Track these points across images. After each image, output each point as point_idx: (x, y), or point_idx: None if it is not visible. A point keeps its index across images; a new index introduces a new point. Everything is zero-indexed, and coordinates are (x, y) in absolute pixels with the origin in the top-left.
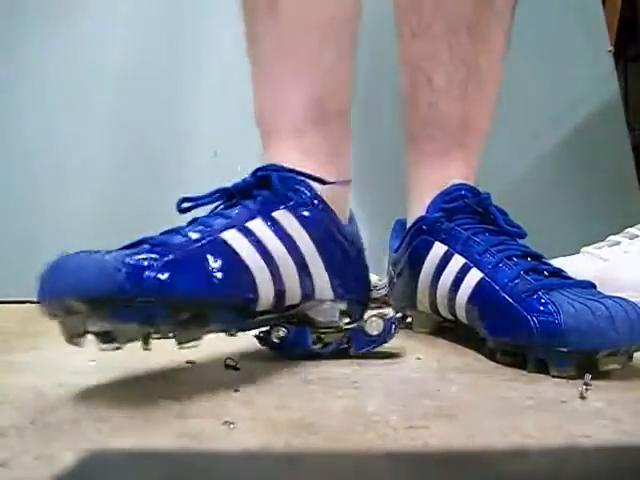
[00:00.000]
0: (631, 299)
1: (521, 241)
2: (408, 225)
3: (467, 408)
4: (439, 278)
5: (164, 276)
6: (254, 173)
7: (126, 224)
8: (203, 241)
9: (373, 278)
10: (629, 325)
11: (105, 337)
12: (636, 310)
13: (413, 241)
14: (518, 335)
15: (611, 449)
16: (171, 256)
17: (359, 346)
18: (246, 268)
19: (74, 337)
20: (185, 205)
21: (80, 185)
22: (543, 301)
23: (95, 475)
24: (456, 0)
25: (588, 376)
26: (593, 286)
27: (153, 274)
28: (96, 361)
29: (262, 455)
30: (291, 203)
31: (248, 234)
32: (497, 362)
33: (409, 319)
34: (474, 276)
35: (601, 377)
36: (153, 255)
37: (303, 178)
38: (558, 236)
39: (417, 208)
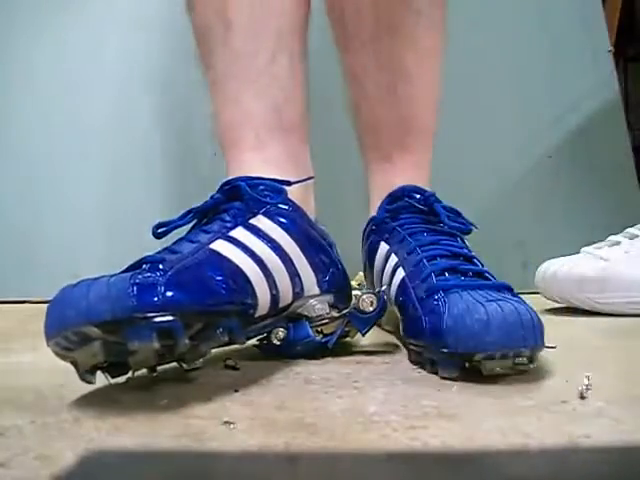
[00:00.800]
0: (631, 299)
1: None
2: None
3: (467, 408)
4: (382, 277)
5: (171, 290)
6: (221, 188)
7: (126, 224)
8: (197, 254)
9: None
10: (505, 330)
11: (117, 367)
12: (519, 315)
13: (367, 241)
14: (416, 335)
15: (611, 449)
16: (173, 270)
17: (362, 327)
18: (242, 273)
19: (87, 372)
20: (161, 230)
21: (79, 185)
22: (436, 302)
23: (95, 475)
24: (374, 7)
25: (588, 376)
26: (508, 289)
27: (161, 289)
28: None
29: (262, 455)
30: (264, 209)
31: (234, 242)
32: (411, 362)
33: None
34: (399, 275)
35: (601, 377)
36: (157, 272)
37: (270, 183)
38: (558, 236)
39: (372, 210)
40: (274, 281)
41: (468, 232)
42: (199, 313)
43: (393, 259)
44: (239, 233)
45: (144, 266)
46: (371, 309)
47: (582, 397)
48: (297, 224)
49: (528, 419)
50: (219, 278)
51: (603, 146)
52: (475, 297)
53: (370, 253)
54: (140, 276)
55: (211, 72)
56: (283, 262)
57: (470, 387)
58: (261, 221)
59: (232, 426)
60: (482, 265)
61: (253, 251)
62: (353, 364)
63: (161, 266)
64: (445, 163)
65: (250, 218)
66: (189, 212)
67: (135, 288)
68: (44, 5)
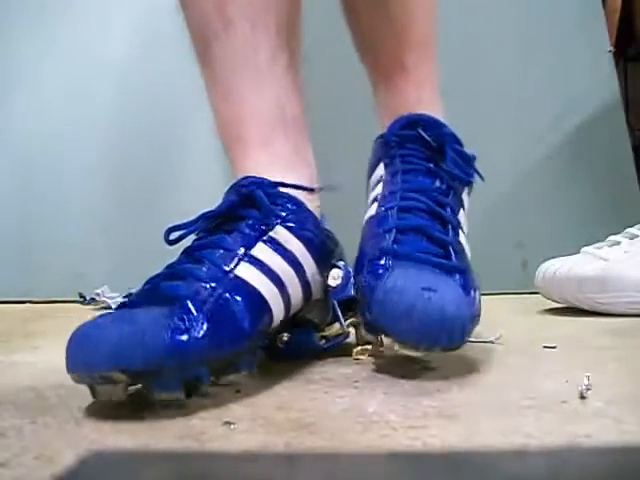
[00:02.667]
0: (631, 299)
1: (467, 189)
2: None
3: (467, 408)
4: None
5: (205, 340)
6: (233, 188)
7: (126, 224)
8: (224, 287)
9: None
10: (423, 325)
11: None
12: (443, 314)
13: (372, 157)
14: (357, 281)
15: (611, 449)
16: (205, 313)
17: (331, 301)
18: (264, 300)
19: (105, 401)
20: (174, 236)
21: (80, 185)
22: (381, 267)
23: (95, 475)
24: None
25: (588, 376)
26: (460, 272)
27: (194, 340)
28: None
29: (262, 455)
30: (281, 219)
31: (257, 264)
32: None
33: None
34: (371, 211)
35: (601, 377)
36: (189, 315)
37: (287, 191)
38: (558, 236)
39: (381, 128)
40: (288, 294)
41: (468, 184)
42: (226, 357)
43: (379, 189)
44: (260, 251)
45: (172, 308)
46: (335, 284)
47: (582, 397)
48: (310, 231)
49: (528, 419)
50: (244, 313)
51: (603, 146)
52: (417, 277)
53: (370, 168)
54: (172, 322)
55: (209, 69)
56: (296, 273)
57: (470, 387)
58: (279, 233)
59: (232, 426)
60: (456, 234)
61: (271, 269)
62: (353, 364)
63: (191, 306)
64: None
65: (269, 231)
66: (202, 216)
67: (169, 336)
68: (42, 3)
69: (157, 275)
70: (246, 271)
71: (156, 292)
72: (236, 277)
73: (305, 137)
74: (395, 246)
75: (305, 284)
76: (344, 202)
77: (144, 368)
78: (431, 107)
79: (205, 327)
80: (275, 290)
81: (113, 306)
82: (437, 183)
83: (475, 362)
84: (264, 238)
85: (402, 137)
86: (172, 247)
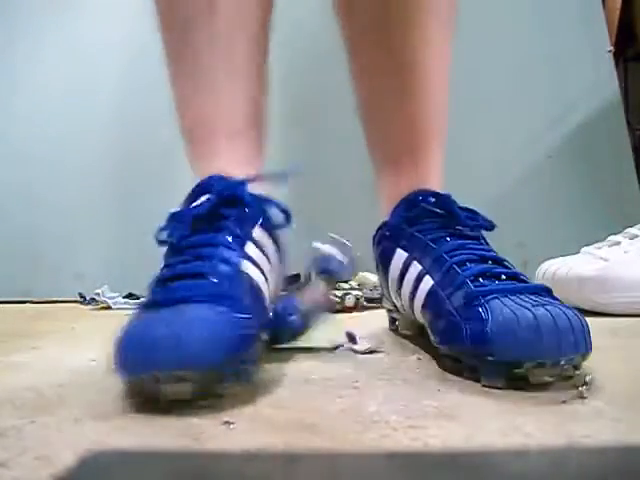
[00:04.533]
0: (631, 299)
1: (488, 234)
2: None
3: (467, 408)
4: (401, 284)
5: (255, 333)
6: (217, 192)
7: (126, 225)
8: (238, 279)
9: (373, 278)
10: (557, 336)
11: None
12: (569, 320)
13: (379, 247)
14: (455, 342)
15: (611, 449)
16: (248, 310)
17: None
18: (260, 290)
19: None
20: (162, 236)
21: (80, 186)
22: (477, 309)
23: (95, 475)
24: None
25: (588, 376)
26: (547, 291)
27: (252, 334)
28: (96, 361)
29: (262, 455)
30: (260, 220)
31: (250, 260)
32: (443, 369)
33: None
34: (427, 284)
35: (601, 377)
36: (244, 313)
37: (257, 188)
38: (558, 236)
39: (384, 214)
40: (269, 290)
41: (490, 229)
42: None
43: (416, 267)
44: (250, 249)
45: (224, 303)
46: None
47: (582, 397)
48: (277, 234)
49: (528, 419)
50: (262, 306)
51: (603, 146)
52: (518, 302)
53: (384, 260)
54: (233, 319)
55: (185, 59)
56: (271, 267)
57: (470, 387)
58: (258, 234)
59: (232, 426)
60: (513, 267)
61: (259, 265)
62: (353, 364)
63: (236, 303)
64: (445, 163)
65: (252, 232)
66: (183, 216)
67: (238, 332)
68: (46, 6)
69: (169, 275)
70: (247, 268)
71: (182, 291)
72: (244, 274)
73: (266, 137)
74: (478, 289)
75: (277, 279)
76: (342, 205)
77: (220, 365)
78: (432, 185)
79: (254, 321)
80: (266, 286)
81: (113, 306)
82: (467, 240)
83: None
84: (250, 238)
85: (410, 216)
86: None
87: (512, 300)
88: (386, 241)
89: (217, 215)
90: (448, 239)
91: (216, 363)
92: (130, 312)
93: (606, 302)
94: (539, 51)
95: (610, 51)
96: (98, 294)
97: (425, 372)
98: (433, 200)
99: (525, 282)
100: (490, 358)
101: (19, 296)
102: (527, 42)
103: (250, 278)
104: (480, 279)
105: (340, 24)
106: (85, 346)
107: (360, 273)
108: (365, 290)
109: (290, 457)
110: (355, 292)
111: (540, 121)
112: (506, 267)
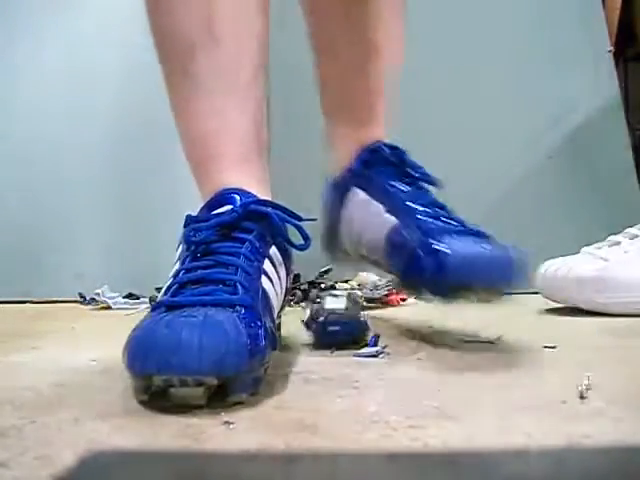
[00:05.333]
0: (631, 299)
1: (432, 189)
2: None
3: (467, 408)
4: (359, 223)
5: (268, 341)
6: (244, 204)
7: (127, 224)
8: (255, 290)
9: (373, 278)
10: (499, 267)
11: None
12: (511, 254)
13: (335, 189)
14: (414, 273)
15: (611, 449)
16: (263, 321)
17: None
18: (272, 303)
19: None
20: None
21: (80, 186)
22: (435, 242)
23: (95, 475)
24: None
25: (588, 376)
26: (487, 236)
27: (266, 343)
28: (96, 361)
29: (262, 455)
30: (277, 240)
31: (266, 275)
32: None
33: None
34: (389, 221)
35: (601, 377)
36: (258, 322)
37: (290, 218)
38: (558, 236)
39: (342, 163)
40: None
41: (436, 184)
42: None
43: (376, 205)
44: (267, 265)
45: (240, 311)
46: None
47: (582, 397)
48: (290, 254)
49: (528, 419)
50: (270, 316)
51: (603, 146)
52: (470, 240)
53: (340, 199)
54: (254, 328)
55: (190, 81)
56: (280, 284)
57: (470, 387)
58: (274, 252)
59: (232, 426)
60: (454, 214)
61: (272, 280)
62: (353, 364)
63: (255, 313)
64: (445, 163)
65: (269, 249)
66: (206, 220)
67: (253, 341)
68: (47, 7)
69: (189, 279)
70: (265, 282)
71: (204, 296)
72: (262, 288)
73: (267, 160)
74: (436, 227)
75: (283, 297)
76: None
77: (235, 372)
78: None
79: (268, 332)
80: (276, 301)
81: (113, 306)
82: (419, 188)
83: (475, 362)
84: (268, 256)
85: (369, 162)
86: (172, 249)
87: (465, 238)
88: (345, 182)
89: (240, 227)
90: (404, 185)
91: (235, 370)
92: (130, 312)
93: (606, 302)
94: (539, 51)
95: (610, 51)
96: (98, 294)
97: (425, 372)
98: (389, 150)
99: (470, 228)
100: (448, 284)
101: (19, 296)
102: (527, 42)
103: (265, 291)
104: (435, 221)
105: (304, 7)
106: (85, 346)
107: (360, 273)
108: (365, 290)
109: (290, 457)
110: (355, 292)
111: (540, 121)
112: (451, 214)
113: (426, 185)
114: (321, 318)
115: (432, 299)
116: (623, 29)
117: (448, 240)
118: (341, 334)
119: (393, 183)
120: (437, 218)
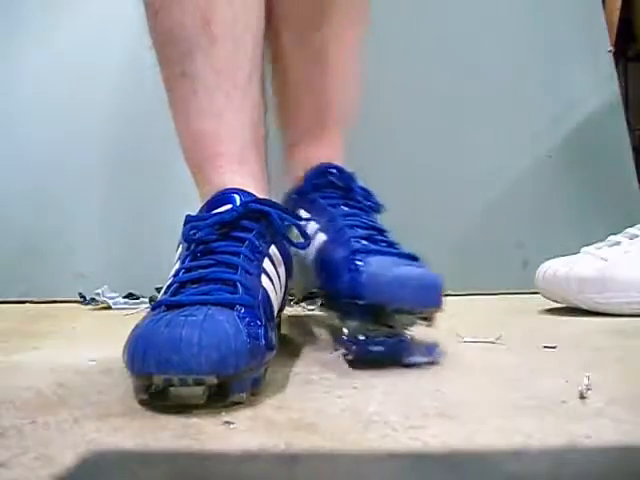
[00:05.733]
0: (631, 299)
1: (378, 216)
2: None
3: (467, 408)
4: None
5: (267, 342)
6: (244, 204)
7: (126, 224)
8: (257, 289)
9: None
10: (417, 290)
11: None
12: (432, 279)
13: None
14: (335, 287)
15: (611, 449)
16: (264, 321)
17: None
18: (271, 299)
19: (176, 404)
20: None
21: (81, 185)
22: (356, 262)
23: (95, 475)
24: (305, 5)
25: (588, 376)
26: (415, 259)
27: (266, 343)
28: (96, 361)
29: (262, 455)
30: (277, 239)
31: (266, 273)
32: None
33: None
34: (320, 239)
35: (601, 377)
36: (258, 321)
37: (284, 215)
38: (558, 236)
39: (290, 180)
40: (277, 303)
41: (378, 211)
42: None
43: (313, 225)
44: (267, 265)
45: (241, 311)
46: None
47: (582, 397)
48: (290, 253)
49: (528, 419)
50: (270, 316)
51: (603, 146)
52: (389, 261)
53: None
54: (247, 327)
55: (188, 81)
56: (280, 284)
57: (470, 387)
58: (273, 251)
59: (232, 426)
60: (391, 238)
61: (272, 279)
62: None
63: (255, 313)
64: (445, 163)
65: (269, 248)
66: (205, 219)
67: (252, 341)
68: (47, 7)
69: (189, 278)
70: (265, 281)
71: (204, 295)
72: (263, 287)
73: (265, 156)
74: (360, 246)
75: (282, 297)
76: None
77: (235, 371)
78: (335, 158)
79: (269, 332)
80: (277, 301)
81: (113, 306)
82: (359, 210)
83: (475, 362)
84: (268, 255)
85: (316, 184)
86: (172, 249)
87: (386, 259)
88: (292, 202)
89: (240, 226)
90: (344, 207)
91: (235, 370)
92: (130, 312)
93: (606, 302)
94: (539, 51)
95: (610, 51)
96: (98, 294)
97: (425, 372)
98: (338, 174)
99: (398, 250)
100: (361, 302)
101: (19, 296)
102: (527, 42)
103: (265, 290)
104: (363, 241)
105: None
106: (85, 346)
107: None
108: None
109: (290, 457)
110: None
111: (540, 121)
112: (386, 237)
113: (370, 210)
114: (361, 337)
115: (353, 324)
116: (623, 29)
117: (369, 259)
118: (385, 355)
119: (335, 204)
120: (367, 239)
